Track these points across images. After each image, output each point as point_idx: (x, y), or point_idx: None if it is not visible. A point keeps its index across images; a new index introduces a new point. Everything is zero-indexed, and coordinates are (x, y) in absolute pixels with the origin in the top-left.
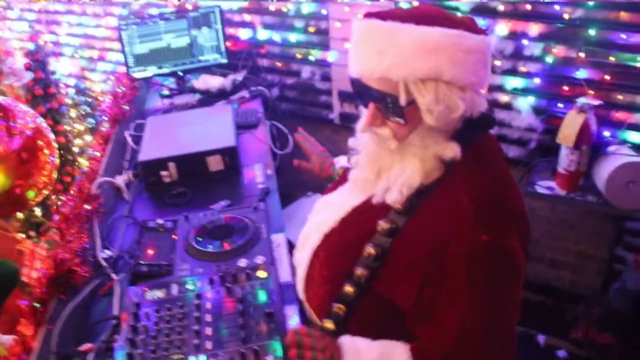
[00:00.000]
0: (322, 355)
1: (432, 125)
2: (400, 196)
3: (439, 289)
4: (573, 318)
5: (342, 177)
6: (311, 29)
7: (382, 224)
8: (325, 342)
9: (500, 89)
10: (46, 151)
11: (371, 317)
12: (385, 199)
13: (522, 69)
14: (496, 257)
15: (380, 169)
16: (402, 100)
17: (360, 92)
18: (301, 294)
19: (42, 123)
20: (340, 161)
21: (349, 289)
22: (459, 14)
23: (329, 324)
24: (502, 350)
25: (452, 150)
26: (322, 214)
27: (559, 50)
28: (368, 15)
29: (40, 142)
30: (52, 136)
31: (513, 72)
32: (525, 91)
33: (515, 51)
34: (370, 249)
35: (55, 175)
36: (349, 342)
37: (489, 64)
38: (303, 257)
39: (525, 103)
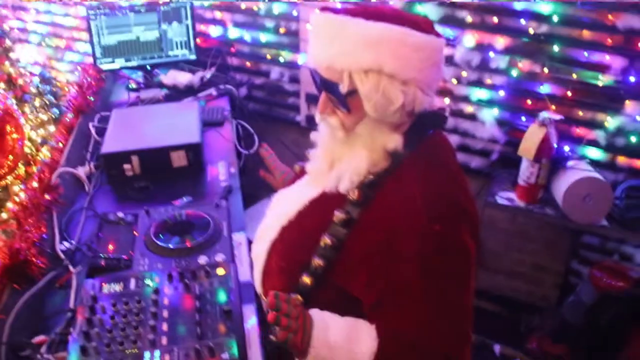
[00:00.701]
0: (295, 323)
1: (372, 114)
2: (350, 184)
3: (391, 279)
4: (528, 329)
5: (301, 173)
6: (282, 30)
7: (338, 215)
8: (299, 311)
9: (465, 99)
10: (15, 135)
11: (328, 307)
12: (338, 188)
13: (488, 80)
14: (448, 246)
15: (333, 160)
16: (343, 88)
17: (315, 82)
18: (259, 288)
19: (13, 105)
20: None
21: (306, 279)
22: (418, 15)
23: None
24: (458, 337)
25: (394, 141)
26: (279, 207)
27: (524, 64)
28: (323, 9)
29: (8, 126)
30: (22, 120)
31: (479, 83)
32: (490, 103)
33: (482, 63)
34: (326, 239)
35: (21, 161)
36: (318, 316)
37: (439, 64)
38: (261, 249)
39: (490, 114)
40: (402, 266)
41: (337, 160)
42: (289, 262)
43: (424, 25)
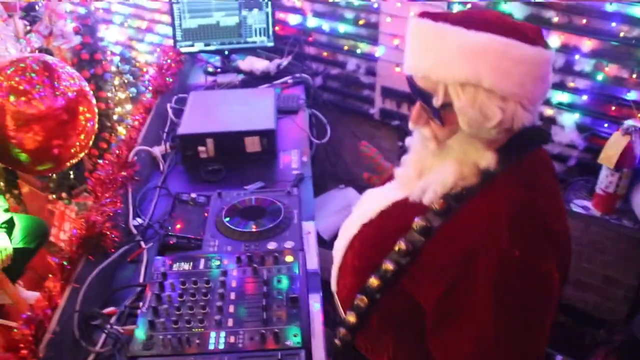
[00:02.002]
0: None
1: (466, 130)
2: (434, 195)
3: (462, 297)
4: (594, 342)
5: (392, 175)
6: (361, 22)
7: (418, 221)
8: None
9: (545, 102)
10: (87, 115)
11: (393, 312)
12: (422, 199)
13: (571, 84)
14: (526, 274)
15: (422, 169)
16: (438, 101)
17: (411, 89)
18: (333, 285)
19: (86, 87)
20: None
21: (373, 281)
22: (523, 22)
23: (351, 317)
24: None
25: (487, 160)
26: (364, 206)
27: (610, 69)
28: (422, 14)
29: (81, 107)
30: (94, 101)
31: (561, 86)
32: (571, 107)
33: (566, 65)
34: (401, 244)
35: (92, 140)
36: None
37: (544, 78)
38: (340, 246)
39: (570, 119)
40: (475, 287)
41: (427, 170)
42: (361, 261)
43: (530, 35)
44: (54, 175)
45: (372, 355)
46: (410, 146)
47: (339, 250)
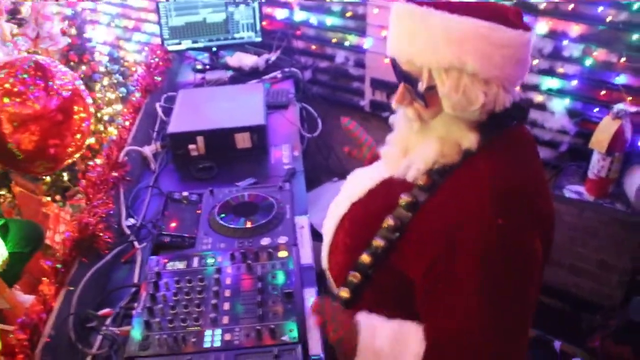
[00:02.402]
0: (340, 327)
1: (450, 113)
2: (417, 172)
3: (447, 268)
4: (590, 327)
5: (379, 154)
6: (348, 14)
7: (404, 197)
8: (345, 315)
9: (535, 88)
10: (82, 115)
11: (385, 287)
12: (406, 176)
13: (560, 69)
14: (510, 243)
15: (407, 147)
16: (422, 85)
17: (395, 71)
18: (324, 263)
19: (80, 86)
20: None
21: (365, 257)
22: (508, 7)
23: (344, 293)
24: (508, 337)
25: (469, 141)
26: (353, 185)
27: (599, 53)
28: None
29: (76, 106)
30: (89, 100)
31: (550, 72)
32: (560, 92)
33: (554, 51)
34: (389, 220)
35: (87, 141)
36: (365, 319)
37: (525, 60)
38: (330, 225)
39: (560, 105)
40: (460, 257)
41: (411, 149)
42: (353, 239)
43: (512, 18)
44: (48, 177)
45: None
46: (394, 125)
47: (329, 229)
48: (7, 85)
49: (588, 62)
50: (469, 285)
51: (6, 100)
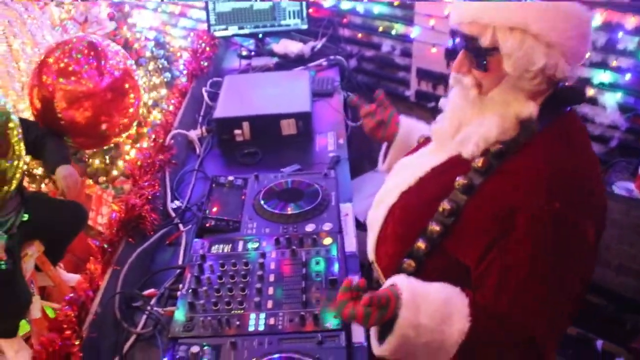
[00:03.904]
0: (377, 310)
1: (511, 73)
2: (475, 148)
3: (501, 252)
4: (635, 327)
5: (423, 143)
6: (396, 2)
7: (460, 180)
8: (384, 294)
9: (587, 82)
10: (132, 94)
11: (438, 274)
12: (462, 152)
13: (613, 63)
14: (565, 227)
15: (460, 123)
16: (485, 42)
17: (454, 40)
18: (371, 255)
19: (132, 65)
20: (417, 125)
21: (420, 244)
22: None
23: None
24: (549, 323)
25: (529, 109)
26: (400, 175)
27: None
28: None
29: (127, 85)
30: (139, 81)
31: (603, 65)
32: (613, 87)
33: (608, 43)
34: (445, 204)
35: (135, 122)
36: (408, 295)
37: (587, 36)
38: (377, 216)
39: (612, 99)
40: (514, 242)
41: (465, 124)
42: (406, 228)
43: None
44: (91, 160)
45: None
46: (445, 105)
47: (376, 220)
48: (62, 65)
49: None
50: (518, 272)
51: (61, 79)
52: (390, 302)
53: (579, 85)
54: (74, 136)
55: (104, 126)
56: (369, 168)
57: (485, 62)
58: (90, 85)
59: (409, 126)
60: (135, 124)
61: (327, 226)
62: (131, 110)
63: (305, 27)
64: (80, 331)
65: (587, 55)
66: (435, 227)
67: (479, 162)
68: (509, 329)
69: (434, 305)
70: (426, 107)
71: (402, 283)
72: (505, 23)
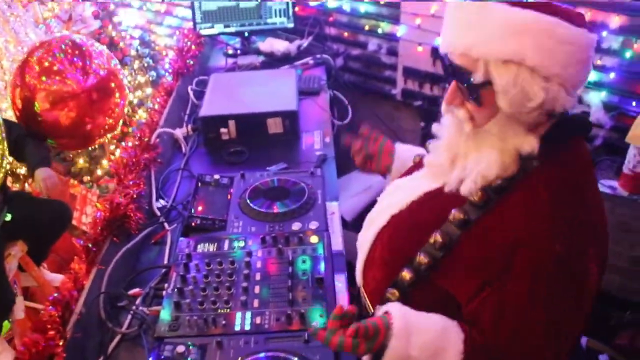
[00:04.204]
0: (365, 342)
1: (506, 110)
2: (474, 186)
3: (498, 291)
4: (619, 324)
5: (418, 164)
6: (382, 1)
7: (455, 213)
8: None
9: None
10: (117, 94)
11: (424, 305)
12: (460, 189)
13: (598, 62)
14: (565, 269)
15: (455, 156)
16: (478, 78)
17: (445, 68)
18: (359, 279)
19: (117, 65)
20: (413, 150)
21: (405, 274)
22: (569, 7)
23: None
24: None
25: (530, 144)
26: (392, 197)
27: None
28: None
29: (112, 85)
30: (125, 81)
31: None
32: (597, 85)
33: None
34: (437, 236)
35: (120, 122)
36: (400, 324)
37: (587, 61)
38: (367, 237)
39: (597, 97)
40: (513, 281)
41: (461, 157)
42: (392, 254)
43: (575, 18)
44: (75, 159)
45: None
46: (440, 132)
47: (365, 242)
48: (46, 64)
49: (628, 54)
50: (516, 311)
51: (44, 79)
52: (379, 333)
53: (582, 114)
54: (57, 137)
55: (88, 127)
56: (355, 167)
57: (478, 96)
58: (74, 85)
59: (404, 154)
60: (120, 123)
61: (313, 225)
62: (117, 110)
63: (291, 25)
64: (64, 331)
65: (585, 82)
66: (423, 259)
67: (476, 196)
68: None
69: (427, 337)
70: (412, 105)
71: (395, 312)
72: (499, 56)
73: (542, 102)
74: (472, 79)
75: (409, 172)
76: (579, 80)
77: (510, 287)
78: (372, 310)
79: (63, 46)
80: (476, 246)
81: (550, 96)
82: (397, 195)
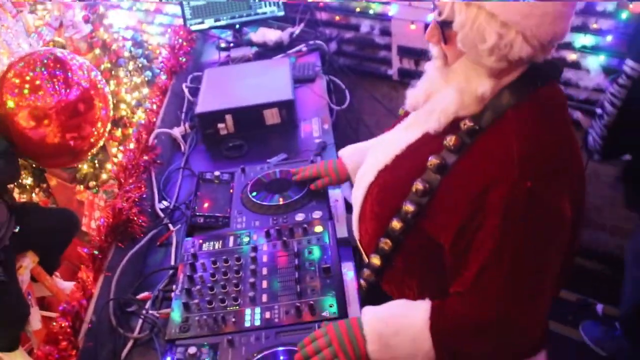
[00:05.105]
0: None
1: (461, 48)
2: (437, 124)
3: (475, 231)
4: None
5: (402, 117)
6: None
7: (432, 159)
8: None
9: (568, 46)
10: (100, 104)
11: (416, 253)
12: (428, 125)
13: (594, 25)
14: (536, 206)
15: (431, 92)
16: (443, 15)
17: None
18: (355, 232)
19: (98, 75)
20: (357, 147)
21: (395, 224)
22: None
23: (375, 260)
24: (522, 307)
25: (485, 87)
26: (378, 151)
27: (635, 5)
28: None
29: (95, 96)
30: (106, 89)
31: (583, 28)
32: (595, 49)
33: (587, 7)
34: (418, 185)
35: (108, 127)
36: (369, 329)
37: (557, 15)
38: (358, 194)
39: (595, 62)
40: (487, 221)
41: (434, 93)
42: (382, 207)
43: None
44: (80, 165)
45: (398, 295)
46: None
47: (357, 198)
48: (27, 78)
49: (623, 15)
50: (489, 245)
51: (26, 92)
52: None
53: (553, 60)
54: (45, 159)
55: (72, 143)
56: None
57: (443, 33)
58: (56, 99)
59: (355, 154)
60: (107, 130)
61: (317, 214)
62: (102, 118)
63: (282, 13)
64: (76, 341)
65: (562, 36)
66: (409, 207)
67: (451, 141)
68: (482, 309)
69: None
70: (409, 84)
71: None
72: None
73: (493, 45)
74: (441, 16)
75: (393, 125)
76: (545, 32)
77: (484, 227)
78: (369, 260)
79: (45, 60)
80: (454, 189)
81: (504, 41)
82: (383, 150)
